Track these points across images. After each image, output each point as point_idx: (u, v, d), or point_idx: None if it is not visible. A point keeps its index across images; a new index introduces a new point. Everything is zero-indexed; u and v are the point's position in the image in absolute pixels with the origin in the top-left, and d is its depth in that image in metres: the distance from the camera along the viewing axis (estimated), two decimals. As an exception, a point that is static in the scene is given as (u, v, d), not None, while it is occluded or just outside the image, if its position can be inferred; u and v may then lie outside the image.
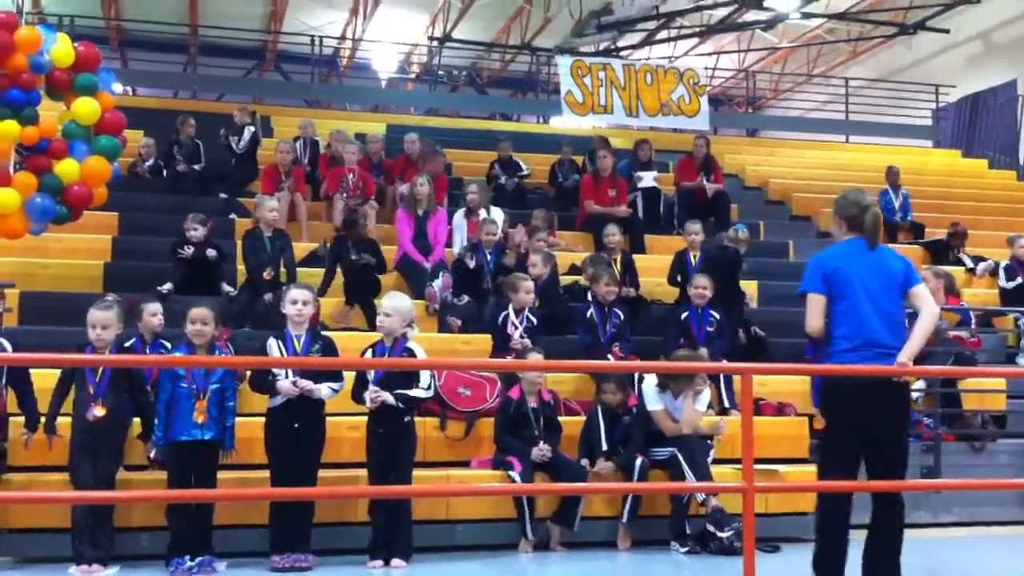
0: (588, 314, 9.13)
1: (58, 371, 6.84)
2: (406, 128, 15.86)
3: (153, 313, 7.68)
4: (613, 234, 10.82)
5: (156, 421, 6.62)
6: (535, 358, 7.73)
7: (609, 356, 8.77)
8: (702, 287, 9.25)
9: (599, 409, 7.84)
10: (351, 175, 11.86)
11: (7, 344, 6.78)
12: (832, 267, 5.56)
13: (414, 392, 6.80)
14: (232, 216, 11.63)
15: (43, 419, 6.71)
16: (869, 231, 5.62)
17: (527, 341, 8.51)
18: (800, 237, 13.97)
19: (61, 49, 9.39)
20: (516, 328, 8.74)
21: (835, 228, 5.83)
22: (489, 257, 10.13)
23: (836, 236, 5.82)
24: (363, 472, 6.92)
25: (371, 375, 6.87)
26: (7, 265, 9.59)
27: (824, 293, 5.55)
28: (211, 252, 9.55)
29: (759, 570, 4.76)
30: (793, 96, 27.34)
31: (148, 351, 7.41)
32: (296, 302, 6.84)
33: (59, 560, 6.46)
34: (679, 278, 10.29)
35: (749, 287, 11.01)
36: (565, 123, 18.60)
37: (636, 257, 11.10)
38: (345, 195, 11.68)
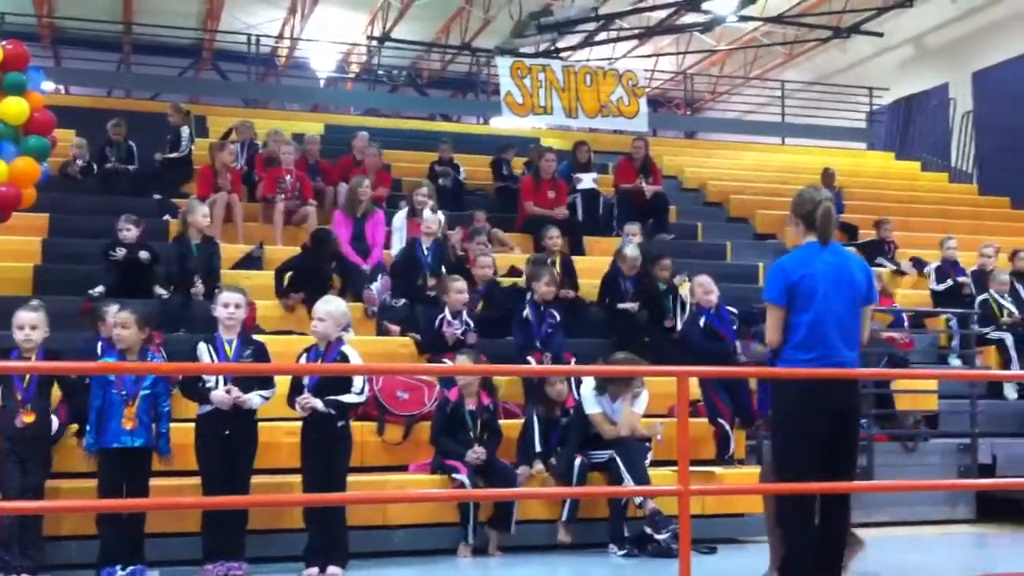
0: (524, 314, 9.14)
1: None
2: (345, 128, 15.76)
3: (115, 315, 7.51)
4: (553, 236, 10.84)
5: (88, 427, 6.50)
6: (465, 361, 7.75)
7: (530, 359, 8.77)
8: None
9: (534, 413, 7.85)
10: (288, 176, 11.73)
11: None
12: (796, 276, 5.38)
13: (346, 398, 6.69)
14: (166, 217, 11.43)
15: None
16: (822, 226, 5.44)
17: (466, 335, 8.53)
18: (738, 238, 14.10)
19: (-12, 48, 9.18)
20: (454, 329, 8.72)
21: (793, 230, 5.65)
22: (427, 253, 10.05)
23: (796, 239, 5.63)
24: (297, 478, 6.83)
25: (306, 380, 6.78)
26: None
27: (784, 304, 5.39)
28: (144, 254, 9.38)
29: (695, 571, 4.78)
30: (730, 98, 27.61)
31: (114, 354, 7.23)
32: (228, 305, 6.71)
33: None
34: (607, 300, 10.26)
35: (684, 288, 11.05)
36: (505, 124, 18.59)
37: (575, 259, 11.13)
38: (283, 196, 11.54)
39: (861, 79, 22.42)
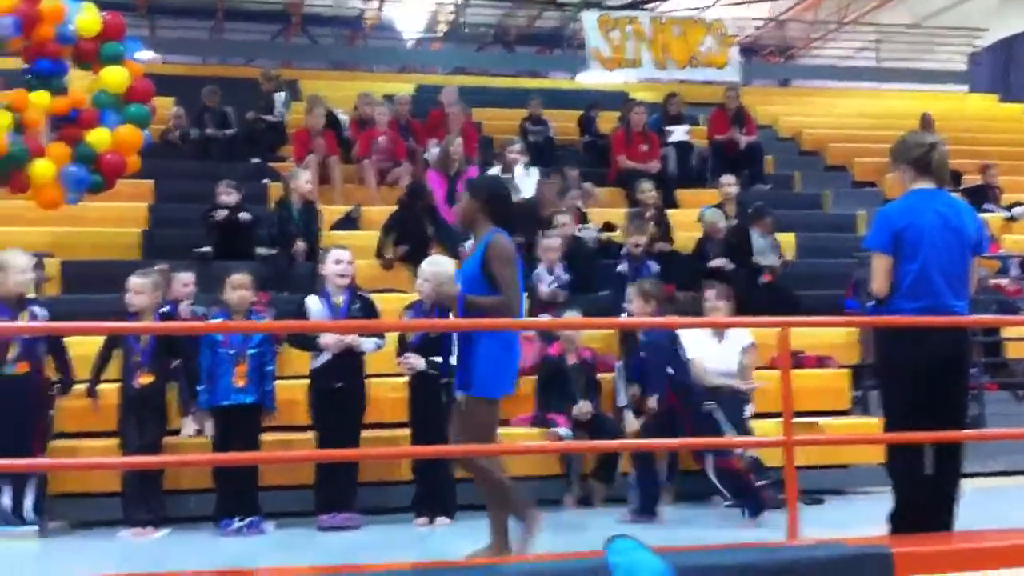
0: (617, 270, 9.12)
1: (99, 339, 6.92)
2: (435, 88, 15.78)
3: (185, 283, 7.73)
4: (647, 190, 10.78)
5: (199, 386, 6.71)
6: (572, 316, 7.74)
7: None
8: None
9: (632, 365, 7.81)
10: (382, 137, 11.83)
11: (42, 312, 6.82)
12: (903, 223, 5.17)
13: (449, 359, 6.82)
14: (265, 181, 11.63)
15: (83, 386, 6.80)
16: (938, 169, 5.23)
17: (560, 293, 8.52)
18: (835, 187, 13.82)
19: (87, 19, 9.41)
20: (547, 285, 8.74)
21: (899, 177, 5.39)
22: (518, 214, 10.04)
23: (901, 186, 5.39)
24: (405, 432, 6.96)
25: (411, 337, 6.89)
26: (46, 235, 9.66)
27: (891, 253, 5.19)
28: (244, 215, 9.57)
29: (803, 521, 4.75)
30: (825, 45, 26.91)
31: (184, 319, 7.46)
32: (341, 261, 6.91)
33: (110, 523, 6.54)
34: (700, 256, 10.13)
35: (786, 238, 10.89)
36: (593, 79, 18.42)
37: (669, 212, 11.05)
38: (377, 157, 11.66)
39: (960, 20, 21.69)
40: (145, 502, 6.50)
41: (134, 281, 6.83)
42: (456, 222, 6.07)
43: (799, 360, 8.54)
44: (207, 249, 9.34)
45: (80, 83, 9.59)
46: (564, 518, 7.07)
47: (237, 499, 6.56)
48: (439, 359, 6.75)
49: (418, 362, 6.74)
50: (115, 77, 9.50)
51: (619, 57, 17.02)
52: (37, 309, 6.76)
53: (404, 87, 16.05)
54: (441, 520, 6.70)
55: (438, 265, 7.06)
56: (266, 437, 6.79)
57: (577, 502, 7.37)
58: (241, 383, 6.66)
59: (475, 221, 5.59)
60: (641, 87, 18.11)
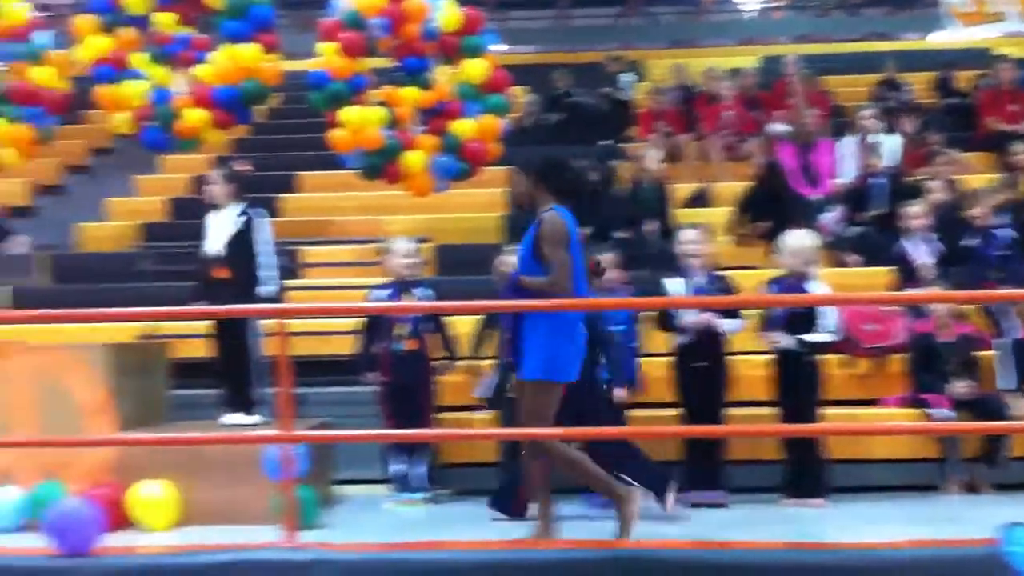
0: (964, 242, 8.42)
1: (474, 318, 7.33)
2: (779, 59, 15.34)
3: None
4: (1019, 152, 9.99)
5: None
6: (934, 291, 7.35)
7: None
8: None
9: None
10: (729, 112, 11.70)
11: (426, 292, 7.27)
12: None
13: (817, 337, 6.65)
14: (612, 163, 11.81)
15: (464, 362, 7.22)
16: None
17: (929, 266, 8.05)
18: None
19: (449, 15, 9.94)
20: (917, 259, 8.27)
21: None
22: (879, 184, 9.60)
23: None
24: (768, 411, 6.86)
25: (776, 313, 6.78)
26: (420, 222, 10.34)
27: None
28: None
29: None
30: None
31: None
32: (693, 241, 6.90)
33: (487, 492, 6.83)
34: None
35: None
36: (948, 37, 17.25)
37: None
38: (725, 132, 11.56)
39: None
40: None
41: (504, 261, 7.14)
42: (516, 204, 5.84)
43: None
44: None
45: (444, 77, 10.15)
46: (942, 505, 6.72)
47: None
48: (808, 335, 6.57)
49: (784, 339, 6.61)
50: (476, 69, 10.00)
51: (980, 11, 15.84)
52: (419, 291, 7.21)
53: (747, 60, 15.76)
54: (813, 502, 6.54)
55: (800, 239, 6.92)
56: (632, 413, 6.91)
57: (965, 488, 6.95)
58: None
59: (534, 199, 5.46)
60: (1005, 42, 16.74)
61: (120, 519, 6.08)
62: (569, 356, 5.33)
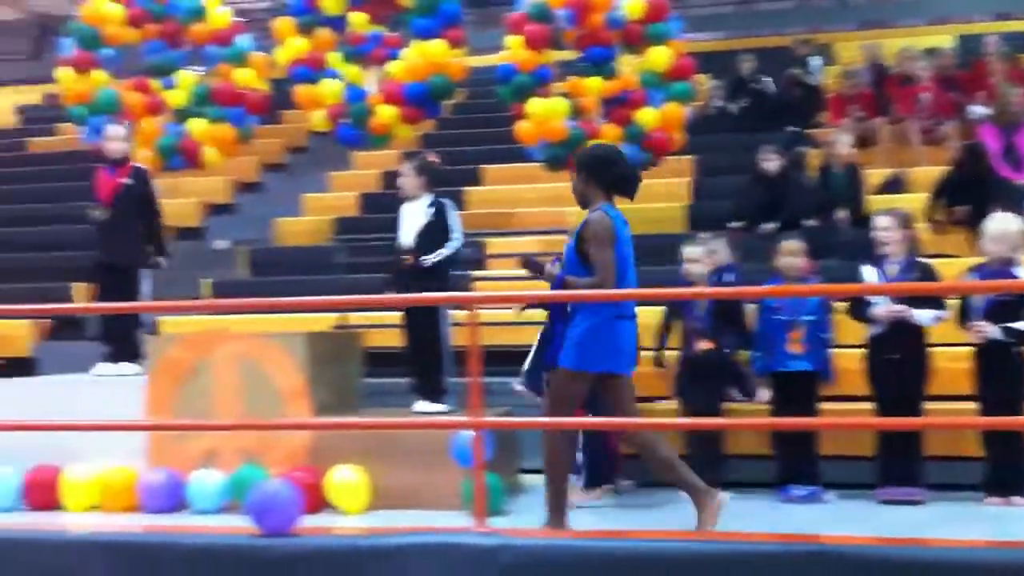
0: None
1: (660, 308, 7.27)
2: (977, 37, 14.60)
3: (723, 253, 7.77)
4: None
5: (755, 353, 6.82)
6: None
7: None
8: None
9: None
10: (925, 94, 11.22)
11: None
12: None
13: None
14: (802, 149, 11.51)
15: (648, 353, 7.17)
16: None
17: None
18: None
19: (633, 2, 9.90)
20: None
21: None
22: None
23: None
24: (970, 406, 6.55)
25: (977, 302, 6.46)
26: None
27: None
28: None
29: None
30: None
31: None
32: (887, 228, 6.66)
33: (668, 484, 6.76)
34: None
35: None
36: None
37: None
38: (920, 115, 11.10)
39: None
40: (709, 465, 6.71)
41: (689, 251, 7.08)
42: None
43: None
44: (739, 224, 9.43)
45: (628, 66, 10.11)
46: None
47: (798, 467, 6.58)
48: (1018, 325, 6.24)
49: (990, 329, 6.29)
50: (660, 57, 9.94)
51: None
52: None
53: (942, 39, 15.07)
54: (1018, 501, 6.21)
55: (1005, 223, 6.58)
56: (825, 406, 6.72)
57: None
58: (796, 349, 6.68)
59: (586, 197, 5.28)
60: None
61: (317, 502, 6.34)
62: (606, 350, 5.28)
